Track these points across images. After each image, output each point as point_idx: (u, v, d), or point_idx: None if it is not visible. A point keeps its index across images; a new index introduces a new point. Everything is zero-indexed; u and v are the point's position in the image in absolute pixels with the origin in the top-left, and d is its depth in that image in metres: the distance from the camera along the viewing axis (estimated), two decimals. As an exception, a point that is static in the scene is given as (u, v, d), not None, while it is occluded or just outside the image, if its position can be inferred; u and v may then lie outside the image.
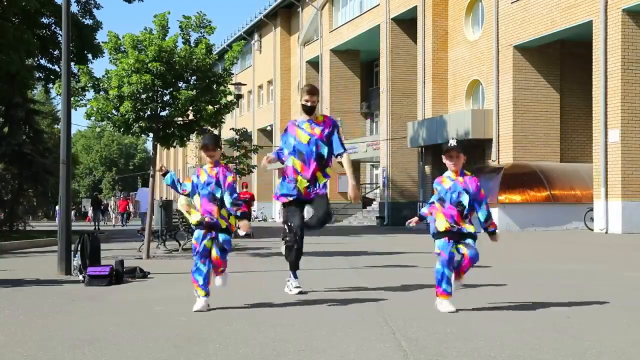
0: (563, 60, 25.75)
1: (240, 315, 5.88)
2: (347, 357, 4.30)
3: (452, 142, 6.08)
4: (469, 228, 5.93)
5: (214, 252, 6.22)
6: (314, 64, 41.40)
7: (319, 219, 6.93)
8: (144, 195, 16.03)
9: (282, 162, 7.20)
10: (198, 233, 6.26)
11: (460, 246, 5.93)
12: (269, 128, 49.17)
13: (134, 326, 5.47)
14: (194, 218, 6.35)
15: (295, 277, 7.27)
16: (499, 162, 25.10)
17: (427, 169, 30.23)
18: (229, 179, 6.30)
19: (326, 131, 7.01)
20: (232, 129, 29.58)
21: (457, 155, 6.02)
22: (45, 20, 23.44)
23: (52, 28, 23.67)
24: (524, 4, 24.37)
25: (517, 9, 24.71)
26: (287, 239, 7.01)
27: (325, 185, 7.05)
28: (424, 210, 6.24)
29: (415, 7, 30.14)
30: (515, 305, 6.20)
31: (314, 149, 6.93)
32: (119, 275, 8.67)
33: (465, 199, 5.94)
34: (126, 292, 7.83)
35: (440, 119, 28.20)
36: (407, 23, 31.87)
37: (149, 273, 9.37)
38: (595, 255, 13.04)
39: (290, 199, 6.99)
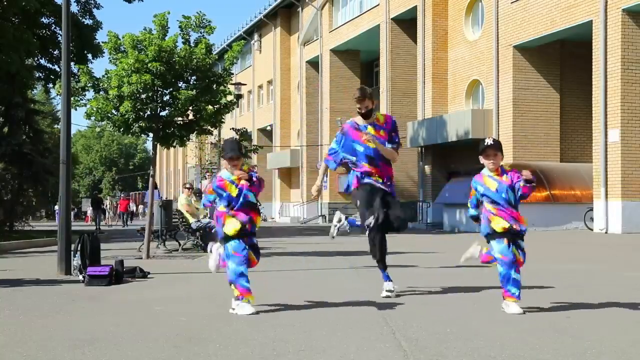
0: (563, 60, 25.76)
1: (241, 315, 5.87)
2: (347, 357, 4.30)
3: (488, 141, 5.95)
4: (524, 224, 5.89)
5: (252, 256, 6.09)
6: (314, 64, 41.40)
7: (402, 219, 6.87)
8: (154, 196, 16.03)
9: (333, 168, 7.16)
10: (237, 243, 5.97)
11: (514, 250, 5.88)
12: (269, 128, 49.17)
13: (134, 326, 5.46)
14: (231, 227, 5.96)
15: (387, 278, 6.96)
16: (498, 162, 25.07)
17: (427, 169, 30.23)
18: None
19: (390, 131, 7.02)
20: (232, 128, 29.65)
21: (495, 153, 5.90)
22: (45, 20, 23.44)
23: (52, 28, 23.67)
24: (523, 4, 24.37)
25: (517, 9, 24.71)
26: (371, 219, 6.72)
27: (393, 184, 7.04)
28: (473, 211, 6.08)
29: (415, 7, 30.14)
30: (515, 305, 6.19)
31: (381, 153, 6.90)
32: (118, 275, 8.66)
33: (513, 198, 5.87)
34: (126, 292, 7.83)
35: (440, 119, 28.20)
36: (407, 23, 31.88)
37: (149, 273, 9.36)
38: (595, 255, 13.04)
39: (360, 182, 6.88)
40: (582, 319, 5.59)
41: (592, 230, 21.50)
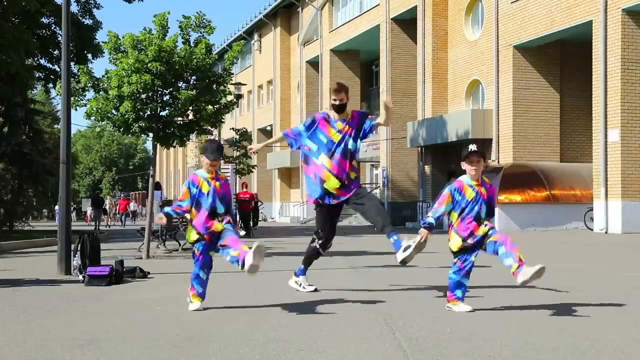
0: (563, 60, 25.76)
1: (240, 315, 5.87)
2: (347, 357, 4.30)
3: (472, 147, 5.90)
4: (483, 230, 5.79)
5: (226, 236, 6.14)
6: (314, 64, 41.40)
7: (384, 222, 6.86)
8: (157, 196, 16.06)
9: (291, 146, 7.20)
10: (200, 244, 6.19)
11: (489, 240, 5.77)
12: (268, 128, 49.16)
13: (134, 326, 5.46)
14: (192, 237, 6.24)
15: (304, 273, 7.42)
16: (498, 162, 25.11)
17: (427, 168, 30.23)
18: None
19: (355, 125, 7.00)
20: (232, 129, 29.61)
21: (478, 160, 5.85)
22: (45, 20, 23.43)
23: (52, 28, 23.67)
24: (523, 4, 24.37)
25: (517, 9, 24.71)
26: (319, 241, 7.26)
27: (357, 179, 7.04)
28: (433, 220, 5.91)
29: (415, 7, 30.14)
30: (515, 306, 6.20)
31: (342, 146, 6.92)
32: (118, 275, 8.66)
33: (484, 211, 5.84)
34: (126, 292, 7.83)
35: (440, 119, 28.20)
36: (407, 23, 31.88)
37: (149, 273, 9.37)
38: (595, 255, 13.04)
39: (320, 201, 7.02)
40: (582, 319, 5.59)
41: (592, 230, 21.49)
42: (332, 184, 6.90)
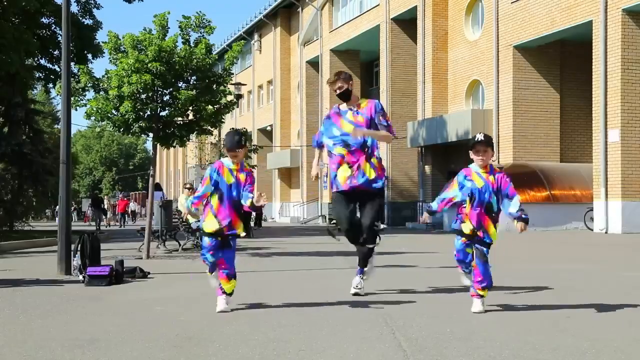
0: (563, 60, 25.77)
1: (240, 315, 5.88)
2: (347, 357, 4.30)
3: (479, 136, 5.85)
4: (492, 236, 5.83)
5: (227, 250, 6.13)
6: (314, 64, 41.39)
7: (365, 236, 6.71)
8: (158, 197, 16.06)
9: (318, 146, 7.15)
10: (210, 239, 6.07)
11: (474, 252, 5.86)
12: (269, 128, 49.17)
13: (134, 326, 5.46)
14: (209, 226, 6.05)
15: (361, 273, 7.06)
16: (498, 162, 25.09)
17: (427, 168, 30.24)
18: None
19: (370, 118, 6.82)
20: (232, 129, 29.53)
21: (485, 149, 5.81)
22: (45, 20, 23.43)
23: (52, 28, 23.67)
24: (524, 4, 24.38)
25: (517, 9, 24.71)
26: (335, 233, 7.08)
27: (375, 180, 6.75)
28: (435, 205, 5.96)
29: (415, 7, 30.14)
30: (516, 305, 6.20)
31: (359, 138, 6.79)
32: (118, 275, 8.66)
33: (495, 201, 5.80)
34: (126, 292, 7.83)
35: (440, 119, 28.21)
36: (407, 23, 31.88)
37: (149, 273, 9.36)
38: (595, 255, 13.04)
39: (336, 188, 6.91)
40: (582, 319, 5.59)
41: (592, 230, 21.50)
42: (344, 173, 6.78)
